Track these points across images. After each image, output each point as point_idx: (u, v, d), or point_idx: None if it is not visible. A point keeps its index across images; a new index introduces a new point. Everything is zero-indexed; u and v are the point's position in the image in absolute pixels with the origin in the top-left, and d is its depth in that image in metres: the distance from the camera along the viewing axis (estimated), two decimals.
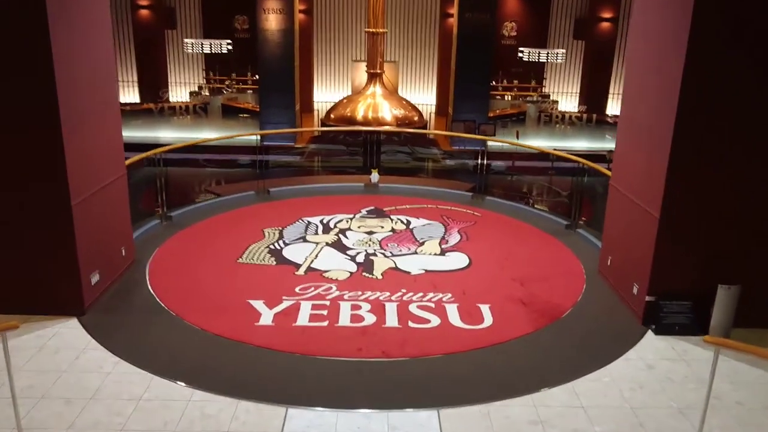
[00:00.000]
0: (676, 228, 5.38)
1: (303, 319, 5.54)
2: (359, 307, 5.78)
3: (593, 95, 21.73)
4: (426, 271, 6.64)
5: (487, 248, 7.33)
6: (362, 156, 11.24)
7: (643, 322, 5.61)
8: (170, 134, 18.36)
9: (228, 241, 7.27)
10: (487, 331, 5.46)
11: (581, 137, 19.27)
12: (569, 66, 23.11)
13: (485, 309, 5.83)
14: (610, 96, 21.50)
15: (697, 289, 5.47)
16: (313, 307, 5.76)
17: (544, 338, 5.40)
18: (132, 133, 17.88)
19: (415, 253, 7.13)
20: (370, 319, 5.58)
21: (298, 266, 6.64)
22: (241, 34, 22.33)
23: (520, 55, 22.35)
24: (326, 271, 6.53)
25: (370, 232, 7.70)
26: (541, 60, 22.43)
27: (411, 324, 5.52)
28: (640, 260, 5.69)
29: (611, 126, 20.23)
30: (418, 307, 5.82)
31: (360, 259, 6.90)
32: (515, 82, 22.95)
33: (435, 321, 5.58)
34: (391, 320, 5.57)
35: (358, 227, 7.89)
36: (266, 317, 5.55)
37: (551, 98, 22.44)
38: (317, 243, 7.30)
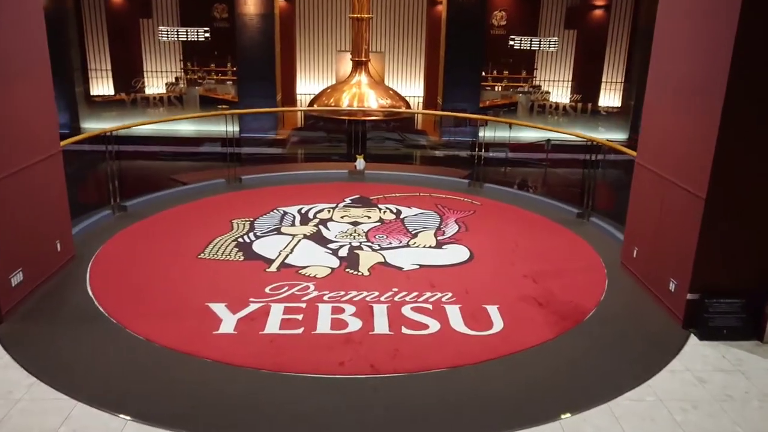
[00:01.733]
0: (727, 211, 4.43)
1: (273, 325, 4.53)
2: (342, 310, 4.77)
3: (586, 85, 20.90)
4: (420, 266, 5.65)
5: (490, 240, 6.36)
6: (346, 143, 10.22)
7: (683, 325, 4.67)
8: (144, 126, 17.30)
9: (189, 235, 6.23)
10: (498, 337, 4.48)
11: (575, 128, 18.44)
12: (561, 55, 22.22)
13: (493, 311, 4.85)
14: (603, 85, 20.67)
15: (749, 285, 4.54)
16: (286, 310, 4.75)
17: (567, 346, 4.43)
18: (104, 125, 16.92)
19: (408, 245, 6.13)
20: (355, 324, 4.58)
21: (269, 262, 5.62)
22: (220, 23, 21.22)
23: (511, 43, 21.51)
24: (303, 268, 5.51)
25: (355, 223, 6.70)
26: (533, 47, 21.58)
27: (405, 330, 4.52)
28: (678, 251, 4.74)
29: (604, 117, 19.38)
30: (413, 309, 4.83)
31: (343, 253, 5.90)
32: (505, 72, 22.10)
33: (434, 326, 4.59)
34: (381, 326, 4.57)
35: (341, 217, 6.88)
36: (228, 324, 4.53)
37: (543, 89, 21.63)
38: (293, 235, 6.28)
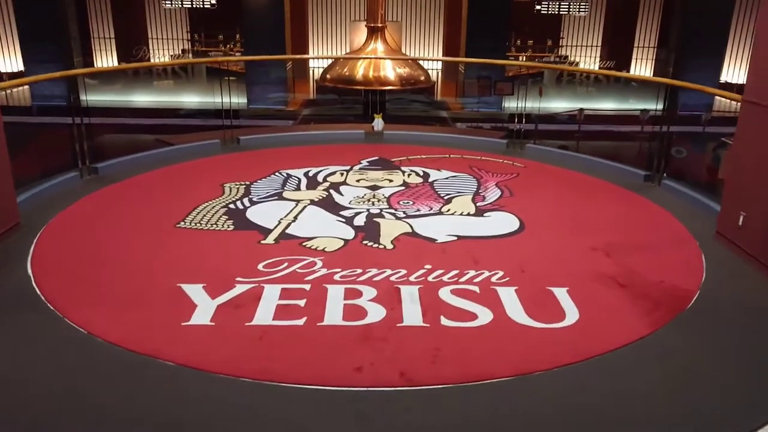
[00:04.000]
0: None
1: (265, 314, 3.32)
2: (359, 294, 3.56)
3: (616, 51, 19.35)
4: (458, 237, 4.41)
5: (542, 206, 5.10)
6: (363, 104, 8.96)
7: None
8: (146, 98, 16.26)
9: (170, 201, 5.03)
10: (575, 331, 3.24)
11: (608, 98, 17.01)
12: (589, 20, 20.66)
13: (562, 294, 3.60)
14: (635, 52, 19.08)
15: None
16: (284, 294, 3.54)
17: (671, 344, 3.18)
18: (105, 98, 15.83)
19: (440, 213, 4.89)
20: (376, 313, 3.36)
21: (266, 233, 4.41)
22: None
23: (538, 7, 20.04)
24: (308, 239, 4.30)
25: (374, 187, 5.46)
26: (561, 12, 20.09)
27: (445, 321, 3.30)
28: None
29: (635, 89, 17.77)
30: (454, 292, 3.60)
31: (359, 221, 4.67)
32: (530, 42, 20.67)
33: (484, 315, 3.36)
34: (412, 315, 3.35)
35: (357, 181, 5.64)
36: (203, 312, 3.33)
37: (569, 59, 20.16)
38: (298, 201, 5.06)
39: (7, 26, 16.69)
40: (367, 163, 6.22)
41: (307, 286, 3.63)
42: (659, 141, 5.94)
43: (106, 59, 18.69)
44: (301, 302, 3.45)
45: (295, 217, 4.70)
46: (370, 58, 8.49)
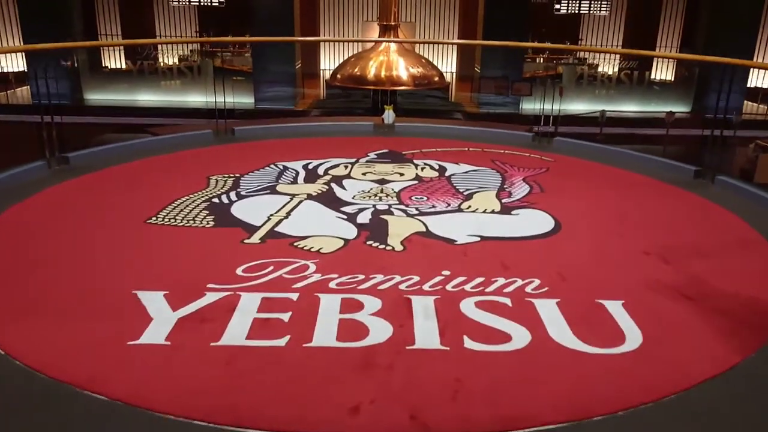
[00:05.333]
0: None
1: (237, 331, 2.59)
2: (359, 306, 2.81)
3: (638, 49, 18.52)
4: (482, 238, 3.66)
5: (579, 203, 4.34)
6: (372, 95, 8.25)
7: None
8: (152, 97, 15.79)
9: (145, 193, 4.33)
10: (640, 358, 2.47)
11: (630, 100, 16.24)
12: (609, 18, 19.87)
13: (617, 309, 2.84)
14: (657, 49, 18.22)
15: None
16: (264, 305, 2.81)
17: None
18: (111, 96, 15.38)
19: (459, 209, 4.14)
20: (380, 332, 2.61)
21: (252, 230, 3.69)
22: None
23: (557, 6, 19.33)
24: (301, 239, 3.56)
25: (383, 181, 4.73)
26: (582, 11, 19.35)
27: (469, 343, 2.54)
28: None
29: (655, 93, 16.90)
30: (479, 305, 2.85)
31: (363, 218, 3.93)
32: (547, 43, 19.93)
33: (520, 336, 2.60)
34: (427, 335, 2.59)
35: (363, 174, 4.92)
36: (159, 327, 2.60)
37: (589, 62, 19.39)
38: (293, 195, 4.34)
39: (11, 25, 16.26)
40: (375, 156, 5.49)
41: (295, 296, 2.90)
42: (712, 132, 5.14)
43: (112, 57, 18.20)
44: (285, 316, 2.71)
45: (288, 213, 3.98)
46: (384, 41, 7.78)
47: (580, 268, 3.30)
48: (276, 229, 3.71)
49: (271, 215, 3.92)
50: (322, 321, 2.67)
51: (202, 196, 4.26)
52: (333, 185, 4.60)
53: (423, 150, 5.71)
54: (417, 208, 4.12)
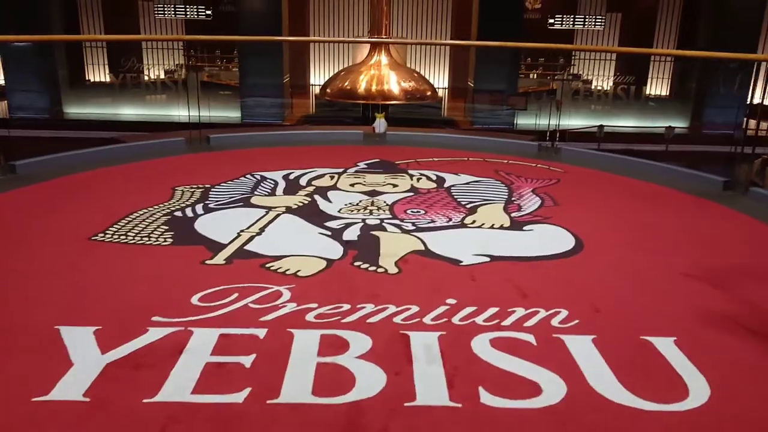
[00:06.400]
0: None
1: (181, 382, 1.97)
2: (343, 346, 2.20)
3: (632, 64, 18.24)
4: (491, 258, 3.07)
5: (599, 218, 3.77)
6: (362, 104, 7.71)
7: None
8: (135, 111, 15.24)
9: (99, 206, 3.71)
10: (710, 414, 1.88)
11: (627, 115, 15.85)
12: (603, 33, 19.61)
13: (669, 349, 2.24)
14: (652, 66, 17.88)
15: None
16: (221, 344, 2.19)
17: None
18: (93, 110, 14.87)
19: (463, 225, 3.55)
20: (370, 382, 1.99)
21: (217, 249, 3.07)
22: (227, 6, 19.17)
23: (551, 21, 19.05)
24: (275, 259, 2.95)
25: (373, 193, 4.14)
26: (576, 26, 19.05)
27: (486, 397, 1.93)
28: None
29: (651, 108, 16.56)
30: (495, 344, 2.24)
31: (351, 235, 3.33)
32: (541, 60, 19.65)
33: (552, 387, 1.99)
34: (430, 386, 1.98)
35: (351, 185, 4.32)
36: (79, 376, 1.97)
37: (583, 77, 19.07)
38: (269, 208, 3.73)
39: None
40: (366, 166, 4.90)
41: (262, 332, 2.28)
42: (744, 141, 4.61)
43: (96, 71, 17.65)
44: (247, 360, 2.09)
45: (262, 229, 3.37)
46: (378, 41, 7.23)
47: (615, 295, 2.71)
48: (246, 247, 3.10)
49: (242, 231, 3.31)
50: (295, 366, 2.06)
51: (163, 209, 3.65)
52: (316, 197, 4.00)
53: (418, 159, 5.14)
54: (413, 223, 3.53)
